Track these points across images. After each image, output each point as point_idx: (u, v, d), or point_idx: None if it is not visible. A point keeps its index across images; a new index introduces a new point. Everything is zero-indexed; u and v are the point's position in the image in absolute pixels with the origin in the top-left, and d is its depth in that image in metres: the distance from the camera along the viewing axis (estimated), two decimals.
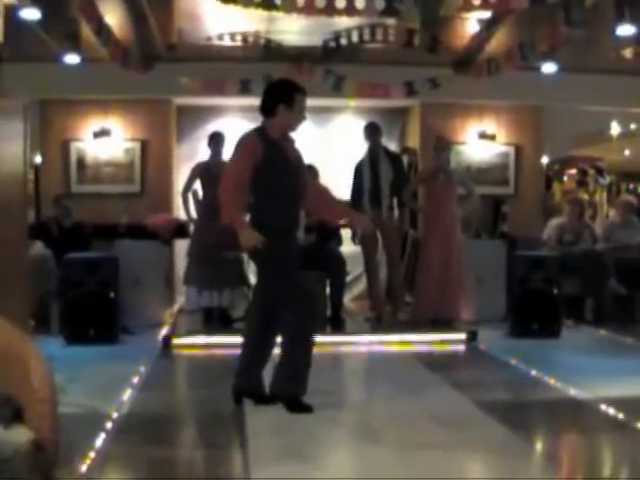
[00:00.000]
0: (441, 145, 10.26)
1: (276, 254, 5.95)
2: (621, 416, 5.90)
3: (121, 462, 5.11)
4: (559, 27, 8.43)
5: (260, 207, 6.05)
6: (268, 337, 6.17)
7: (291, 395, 5.96)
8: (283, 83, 6.20)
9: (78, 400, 6.23)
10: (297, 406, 5.91)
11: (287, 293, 6.00)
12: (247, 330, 6.33)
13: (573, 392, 6.65)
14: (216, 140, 9.99)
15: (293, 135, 6.21)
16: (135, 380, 7.05)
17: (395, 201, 9.97)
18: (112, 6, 9.40)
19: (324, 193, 6.53)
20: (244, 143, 6.05)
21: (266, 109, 6.09)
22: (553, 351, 8.85)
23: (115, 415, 5.87)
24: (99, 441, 5.20)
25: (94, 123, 11.56)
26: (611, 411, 6.02)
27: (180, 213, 10.86)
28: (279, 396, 6.01)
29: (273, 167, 6.01)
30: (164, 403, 6.52)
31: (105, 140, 11.55)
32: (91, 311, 8.89)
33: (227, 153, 10.15)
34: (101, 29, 8.67)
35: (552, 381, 7.06)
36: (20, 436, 3.65)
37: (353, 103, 12.11)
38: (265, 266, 6.09)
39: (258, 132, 6.08)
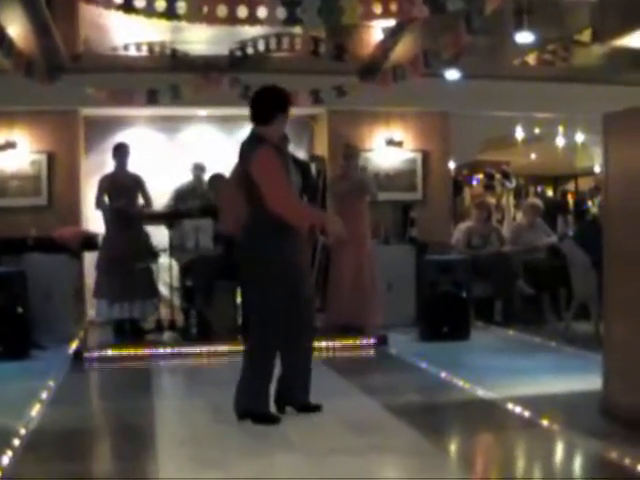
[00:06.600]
0: (350, 153, 10.32)
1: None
2: (527, 414, 6.04)
3: None
4: (461, 35, 8.57)
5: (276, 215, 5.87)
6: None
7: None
8: (279, 91, 6.04)
9: None
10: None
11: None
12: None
13: (481, 393, 6.78)
14: (121, 151, 9.96)
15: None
16: (44, 395, 6.97)
17: None
18: (14, 16, 9.22)
19: None
20: (267, 154, 5.86)
21: (263, 117, 5.95)
22: (463, 353, 9.01)
23: (23, 432, 5.79)
24: (5, 459, 5.12)
25: None
26: (517, 410, 6.16)
27: (89, 225, 10.76)
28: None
29: (288, 174, 6.01)
30: (74, 417, 6.44)
31: (10, 153, 11.34)
32: None
33: (133, 164, 10.13)
34: (3, 40, 8.55)
35: (461, 383, 7.18)
36: None
37: None
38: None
39: (262, 140, 5.92)
